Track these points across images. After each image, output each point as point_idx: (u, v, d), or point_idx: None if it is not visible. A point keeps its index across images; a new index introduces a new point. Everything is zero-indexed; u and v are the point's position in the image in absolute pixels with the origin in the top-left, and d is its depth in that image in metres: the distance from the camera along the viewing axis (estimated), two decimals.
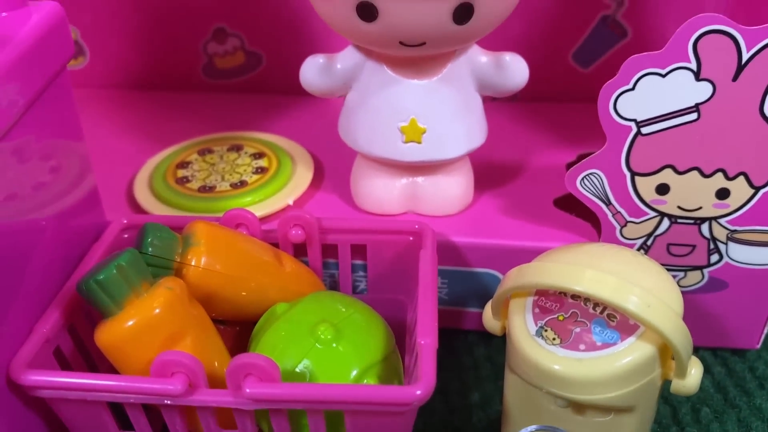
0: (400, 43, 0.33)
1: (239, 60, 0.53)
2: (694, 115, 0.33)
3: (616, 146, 0.34)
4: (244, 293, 0.33)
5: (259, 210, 0.39)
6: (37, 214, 0.33)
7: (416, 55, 0.35)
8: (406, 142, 0.36)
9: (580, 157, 0.44)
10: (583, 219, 0.39)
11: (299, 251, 0.37)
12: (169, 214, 0.39)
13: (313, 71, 0.37)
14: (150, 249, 0.31)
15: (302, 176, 0.42)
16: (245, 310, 0.34)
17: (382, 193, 0.39)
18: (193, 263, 0.32)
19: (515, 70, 0.36)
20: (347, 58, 0.37)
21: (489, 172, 0.42)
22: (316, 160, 0.44)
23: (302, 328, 0.31)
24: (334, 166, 0.44)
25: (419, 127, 0.36)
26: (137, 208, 0.40)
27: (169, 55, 0.53)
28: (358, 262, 0.38)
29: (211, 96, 0.53)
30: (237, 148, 0.44)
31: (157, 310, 0.29)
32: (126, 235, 0.37)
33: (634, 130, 0.33)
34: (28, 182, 0.32)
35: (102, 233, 0.37)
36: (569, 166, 0.43)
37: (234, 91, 0.54)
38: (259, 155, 0.43)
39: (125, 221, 0.37)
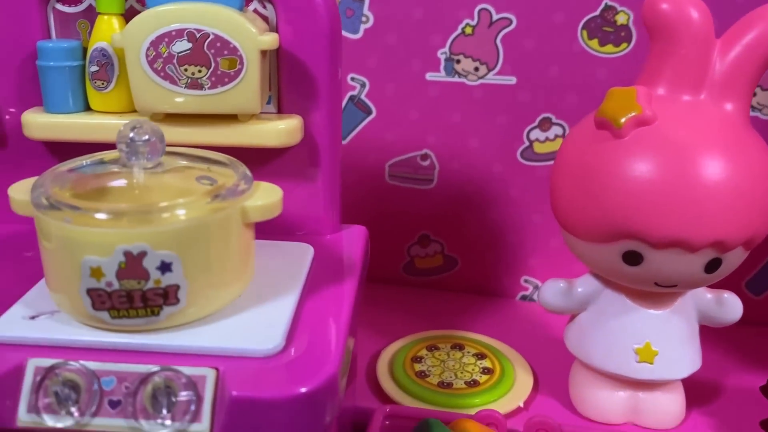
0: (655, 284, 0.39)
1: (438, 262, 0.60)
2: None
3: None
4: None
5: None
6: None
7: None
8: (639, 362, 0.42)
9: None
10: None
11: None
12: (415, 404, 0.44)
13: (552, 293, 0.44)
14: None
15: (524, 380, 0.47)
16: None
17: (607, 404, 0.44)
18: None
19: (733, 307, 0.42)
20: (587, 284, 0.43)
21: (692, 387, 0.47)
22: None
23: None
24: (542, 370, 0.49)
25: (653, 350, 0.42)
26: (383, 396, 0.46)
27: (376, 253, 0.61)
28: None
29: (406, 290, 0.60)
30: (459, 347, 0.50)
31: None
32: (387, 422, 0.42)
33: None
34: None
35: (366, 420, 0.42)
36: (763, 388, 0.48)
37: (428, 287, 0.61)
38: (481, 356, 0.49)
39: (387, 410, 0.42)
